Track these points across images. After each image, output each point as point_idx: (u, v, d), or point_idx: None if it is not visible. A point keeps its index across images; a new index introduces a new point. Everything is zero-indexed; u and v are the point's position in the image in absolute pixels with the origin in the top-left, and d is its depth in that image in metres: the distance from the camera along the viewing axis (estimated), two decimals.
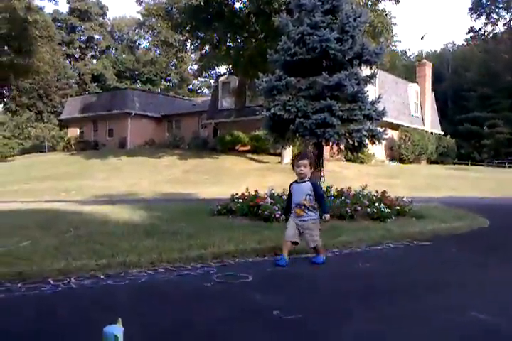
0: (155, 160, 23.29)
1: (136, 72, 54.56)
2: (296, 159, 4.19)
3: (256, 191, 6.96)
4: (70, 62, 53.49)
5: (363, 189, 7.22)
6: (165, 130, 33.56)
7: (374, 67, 8.02)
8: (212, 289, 3.22)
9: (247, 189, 7.17)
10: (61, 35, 47.74)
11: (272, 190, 7.13)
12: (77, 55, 54.99)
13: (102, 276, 3.51)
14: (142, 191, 14.21)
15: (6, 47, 28.50)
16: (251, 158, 22.96)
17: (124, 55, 55.68)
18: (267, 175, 17.32)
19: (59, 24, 50.88)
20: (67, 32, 52.70)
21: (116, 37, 58.69)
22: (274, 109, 6.77)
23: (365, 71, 8.11)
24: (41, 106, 44.13)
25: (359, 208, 6.36)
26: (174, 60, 31.39)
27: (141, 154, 25.07)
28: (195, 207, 8.24)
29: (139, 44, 58.53)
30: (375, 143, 7.20)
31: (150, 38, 36.34)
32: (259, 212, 6.23)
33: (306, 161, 4.10)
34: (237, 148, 25.56)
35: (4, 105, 41.75)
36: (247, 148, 25.01)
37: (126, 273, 3.61)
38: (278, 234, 4.62)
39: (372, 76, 7.56)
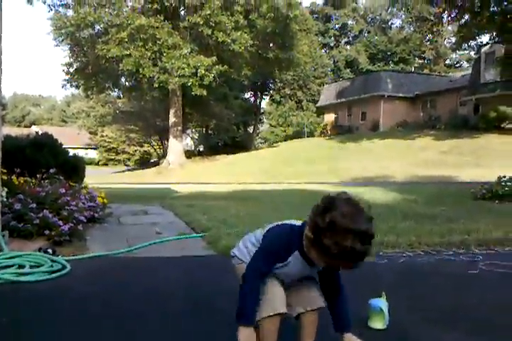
0: (408, 141, 22.71)
1: (389, 53, 53.71)
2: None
3: None
4: (325, 51, 56.28)
5: None
6: (419, 110, 32.26)
7: None
8: (477, 276, 3.05)
9: None
10: (317, 26, 50.51)
11: None
12: (332, 44, 57.45)
13: None
14: (394, 173, 14.12)
15: (271, 44, 31.78)
16: None
17: (376, 37, 55.43)
18: None
19: (315, 16, 53.89)
20: (322, 22, 55.41)
21: (369, 20, 58.74)
22: None
23: None
24: (301, 95, 47.94)
25: None
26: (429, 35, 29.63)
27: (393, 136, 24.79)
28: (453, 190, 7.79)
29: (391, 24, 57.31)
30: None
31: (403, 16, 35.23)
32: None
33: None
34: (503, 125, 22.87)
35: (270, 97, 47.04)
36: None
37: (385, 252, 3.71)
38: None
39: None
